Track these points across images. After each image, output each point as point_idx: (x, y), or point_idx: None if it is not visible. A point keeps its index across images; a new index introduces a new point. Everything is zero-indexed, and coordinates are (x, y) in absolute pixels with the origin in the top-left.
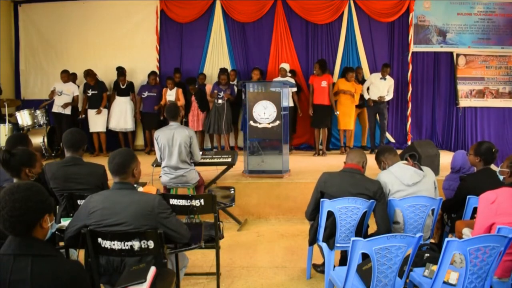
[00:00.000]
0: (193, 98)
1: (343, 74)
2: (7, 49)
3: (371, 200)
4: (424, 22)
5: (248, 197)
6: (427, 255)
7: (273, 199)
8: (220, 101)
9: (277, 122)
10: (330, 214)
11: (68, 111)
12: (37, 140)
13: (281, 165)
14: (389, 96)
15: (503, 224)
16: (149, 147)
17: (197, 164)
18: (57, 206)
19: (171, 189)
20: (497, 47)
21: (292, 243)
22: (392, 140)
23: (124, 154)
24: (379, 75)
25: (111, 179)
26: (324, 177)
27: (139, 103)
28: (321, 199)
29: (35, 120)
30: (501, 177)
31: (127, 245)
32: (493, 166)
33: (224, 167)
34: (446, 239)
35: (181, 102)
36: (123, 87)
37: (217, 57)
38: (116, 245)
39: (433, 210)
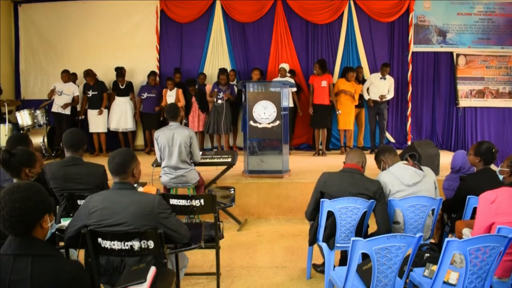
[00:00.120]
0: (193, 99)
1: (343, 74)
2: (7, 49)
3: (371, 200)
4: (424, 22)
5: (248, 197)
6: (427, 255)
7: (273, 199)
8: (219, 101)
9: (277, 122)
10: (330, 214)
11: (68, 111)
12: (37, 140)
13: (281, 165)
14: (390, 95)
15: (503, 223)
16: (149, 147)
17: (197, 164)
18: (57, 206)
19: (171, 189)
20: (497, 47)
21: (292, 243)
22: (392, 140)
23: (124, 154)
24: (378, 75)
25: (111, 179)
26: (324, 177)
27: (139, 104)
28: (321, 199)
29: (35, 120)
30: (501, 177)
31: (127, 245)
32: (493, 166)
33: (224, 167)
34: (446, 239)
35: (181, 103)
36: (122, 87)
37: (217, 57)
38: (116, 245)
39: (433, 210)
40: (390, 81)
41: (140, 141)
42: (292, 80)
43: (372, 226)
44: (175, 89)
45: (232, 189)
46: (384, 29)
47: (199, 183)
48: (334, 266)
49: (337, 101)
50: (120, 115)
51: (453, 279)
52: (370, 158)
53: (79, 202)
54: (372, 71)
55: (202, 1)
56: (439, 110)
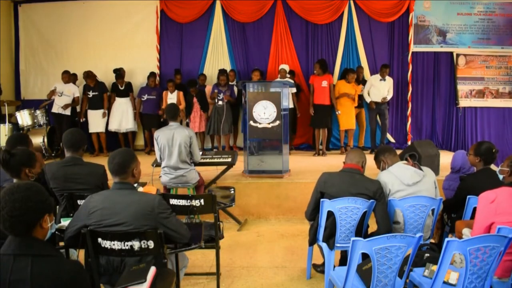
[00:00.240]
0: (194, 99)
1: (343, 75)
2: (7, 49)
3: (371, 200)
4: (424, 22)
5: (248, 197)
6: (427, 255)
7: (273, 199)
8: (220, 102)
9: (277, 122)
10: (330, 214)
11: (68, 111)
12: (37, 140)
13: (281, 165)
14: (389, 96)
15: (503, 223)
16: (149, 147)
17: (197, 164)
18: (57, 206)
19: (171, 189)
20: (497, 47)
21: (292, 243)
22: (392, 140)
23: (124, 154)
24: (378, 76)
25: (111, 179)
26: (324, 177)
27: (139, 105)
28: (321, 199)
29: (35, 120)
30: (500, 176)
31: (127, 245)
32: (493, 166)
33: (224, 167)
34: (446, 239)
35: (182, 105)
36: (121, 88)
37: (217, 57)
38: (116, 245)
39: (433, 210)
40: (389, 81)
41: (140, 141)
42: (291, 81)
43: (372, 226)
44: (176, 91)
45: (232, 189)
46: (384, 29)
47: (199, 183)
48: (334, 266)
49: (337, 102)
50: (121, 116)
51: (453, 279)
52: (370, 158)
53: (79, 202)
54: (372, 71)
55: (202, 1)
56: (439, 110)
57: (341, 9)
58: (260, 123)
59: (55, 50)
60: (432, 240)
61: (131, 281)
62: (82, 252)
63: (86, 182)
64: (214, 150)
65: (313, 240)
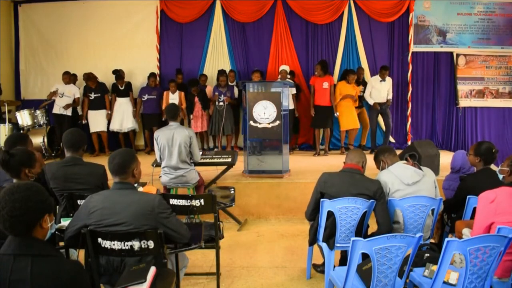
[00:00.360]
0: (196, 99)
1: (344, 76)
2: (7, 49)
3: (371, 200)
4: (424, 22)
5: (248, 197)
6: (427, 255)
7: (273, 199)
8: (221, 103)
9: (277, 122)
10: (330, 214)
11: (69, 112)
12: (37, 140)
13: (281, 165)
14: (389, 96)
15: (502, 223)
16: (149, 147)
17: (197, 164)
18: (57, 206)
19: (171, 189)
20: (497, 47)
21: (292, 243)
22: (392, 140)
23: (124, 154)
24: (378, 78)
25: (111, 179)
26: (324, 177)
27: (139, 105)
28: (321, 199)
29: (35, 120)
30: (500, 176)
31: (127, 245)
32: (493, 166)
33: (224, 167)
34: (446, 239)
35: (183, 106)
36: (121, 88)
37: (217, 57)
38: (116, 245)
39: (433, 210)
40: (389, 82)
41: (141, 141)
42: (291, 81)
43: (372, 226)
44: (178, 92)
45: (232, 189)
46: (384, 29)
47: (199, 183)
48: (334, 266)
49: (336, 105)
50: (122, 116)
51: (453, 279)
52: (370, 158)
53: (79, 202)
54: (372, 71)
55: (202, 1)
56: (439, 110)
57: (341, 9)
58: (260, 123)
59: (55, 50)
60: (432, 240)
61: (131, 281)
62: (82, 252)
63: (86, 182)
64: (214, 150)
65: (313, 240)
